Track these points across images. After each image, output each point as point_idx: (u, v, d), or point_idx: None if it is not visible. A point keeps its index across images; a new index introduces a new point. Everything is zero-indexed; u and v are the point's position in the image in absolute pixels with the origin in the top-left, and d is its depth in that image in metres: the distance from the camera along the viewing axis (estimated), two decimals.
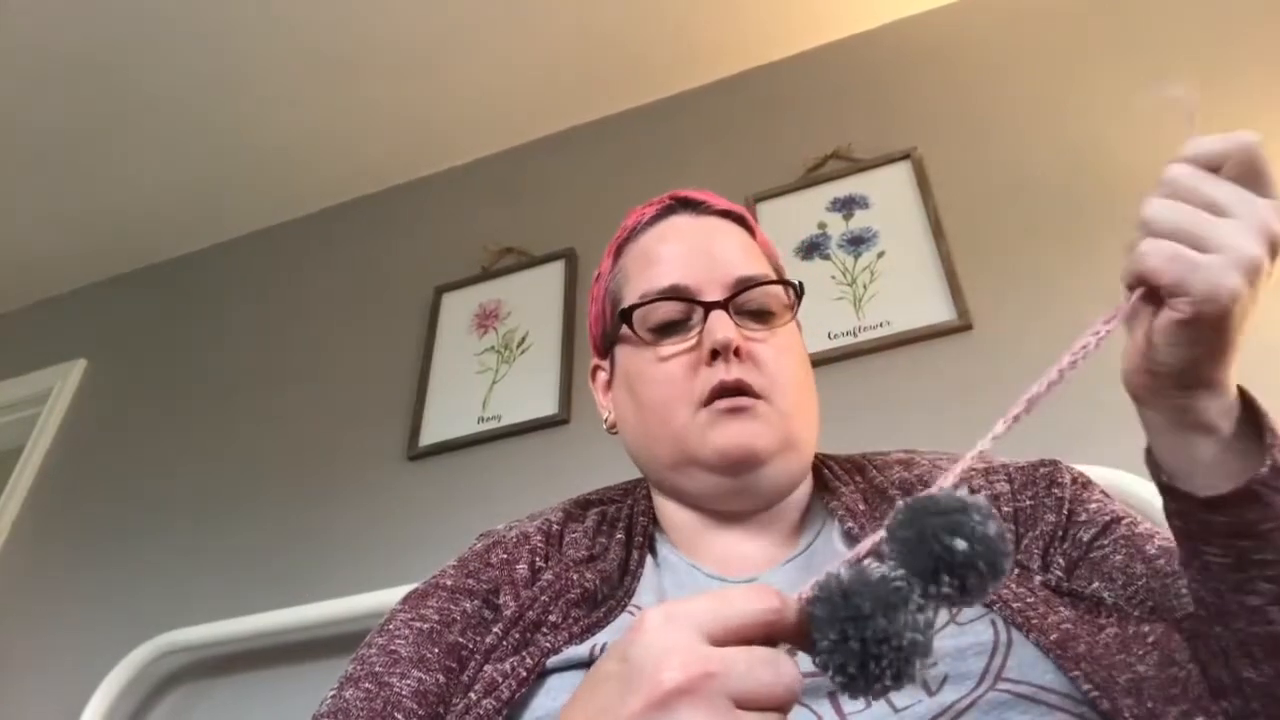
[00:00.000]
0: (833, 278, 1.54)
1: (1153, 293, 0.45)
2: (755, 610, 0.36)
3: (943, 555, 0.35)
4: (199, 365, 2.04)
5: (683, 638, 0.35)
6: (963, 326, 1.40)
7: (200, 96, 1.93)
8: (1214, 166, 0.46)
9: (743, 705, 0.34)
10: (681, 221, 0.76)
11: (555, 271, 1.81)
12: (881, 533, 0.38)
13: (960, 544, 0.35)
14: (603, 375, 0.80)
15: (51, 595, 1.78)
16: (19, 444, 2.07)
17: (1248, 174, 0.45)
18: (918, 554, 0.36)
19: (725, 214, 0.78)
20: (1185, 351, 0.46)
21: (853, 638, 0.35)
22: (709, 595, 0.37)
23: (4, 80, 1.86)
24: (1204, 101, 1.55)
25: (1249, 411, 0.48)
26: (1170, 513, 0.50)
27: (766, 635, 0.36)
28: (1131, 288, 0.46)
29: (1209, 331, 0.45)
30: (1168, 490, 0.49)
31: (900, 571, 0.36)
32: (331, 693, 0.62)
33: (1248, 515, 0.46)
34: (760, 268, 0.73)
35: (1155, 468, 0.51)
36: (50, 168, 2.05)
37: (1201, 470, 0.47)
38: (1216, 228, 0.44)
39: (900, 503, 0.38)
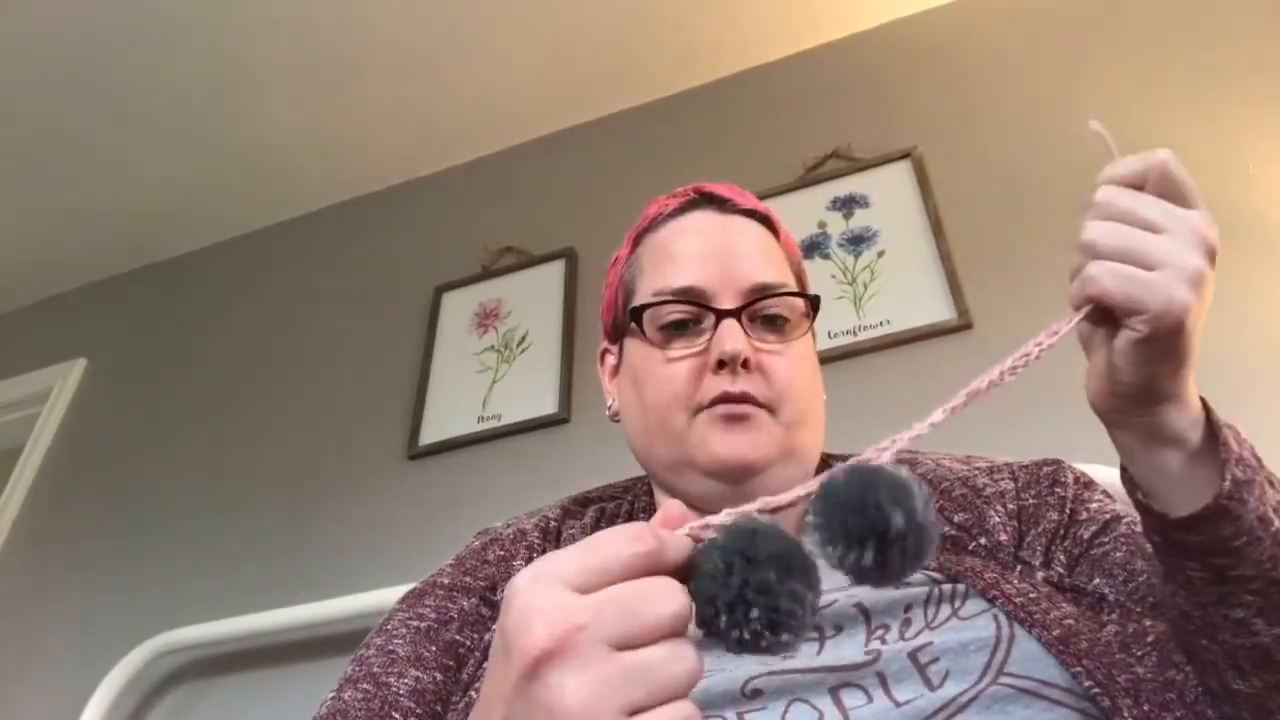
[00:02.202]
0: (833, 277, 1.54)
1: (1102, 313, 0.46)
2: (626, 553, 0.34)
3: (878, 525, 0.35)
4: (199, 365, 2.04)
5: (548, 595, 0.33)
6: (963, 326, 1.40)
7: (200, 96, 1.93)
8: (1137, 185, 0.48)
9: (626, 645, 0.32)
10: (703, 218, 0.74)
11: (555, 271, 1.81)
12: (815, 484, 0.37)
13: (899, 519, 0.35)
14: (611, 360, 0.79)
15: (51, 595, 1.78)
16: (19, 444, 2.07)
17: (1169, 189, 0.47)
18: (853, 517, 0.35)
19: (750, 213, 0.76)
20: (1146, 369, 0.46)
21: (737, 573, 0.34)
22: (578, 544, 0.35)
23: (4, 80, 1.86)
24: (1202, 100, 1.55)
25: (1212, 424, 0.48)
26: (1148, 529, 0.51)
27: (643, 574, 0.34)
28: (1079, 308, 0.47)
29: (1166, 346, 0.45)
30: (1144, 510, 0.50)
31: (815, 544, 0.36)
32: (331, 695, 0.62)
33: (1220, 532, 0.46)
34: (779, 273, 0.72)
35: (1131, 485, 0.51)
36: (51, 167, 2.05)
37: (1174, 484, 0.48)
38: (1158, 244, 0.45)
39: (841, 465, 0.38)
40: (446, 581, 0.69)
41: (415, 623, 0.65)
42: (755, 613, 0.33)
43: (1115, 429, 0.51)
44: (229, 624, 1.48)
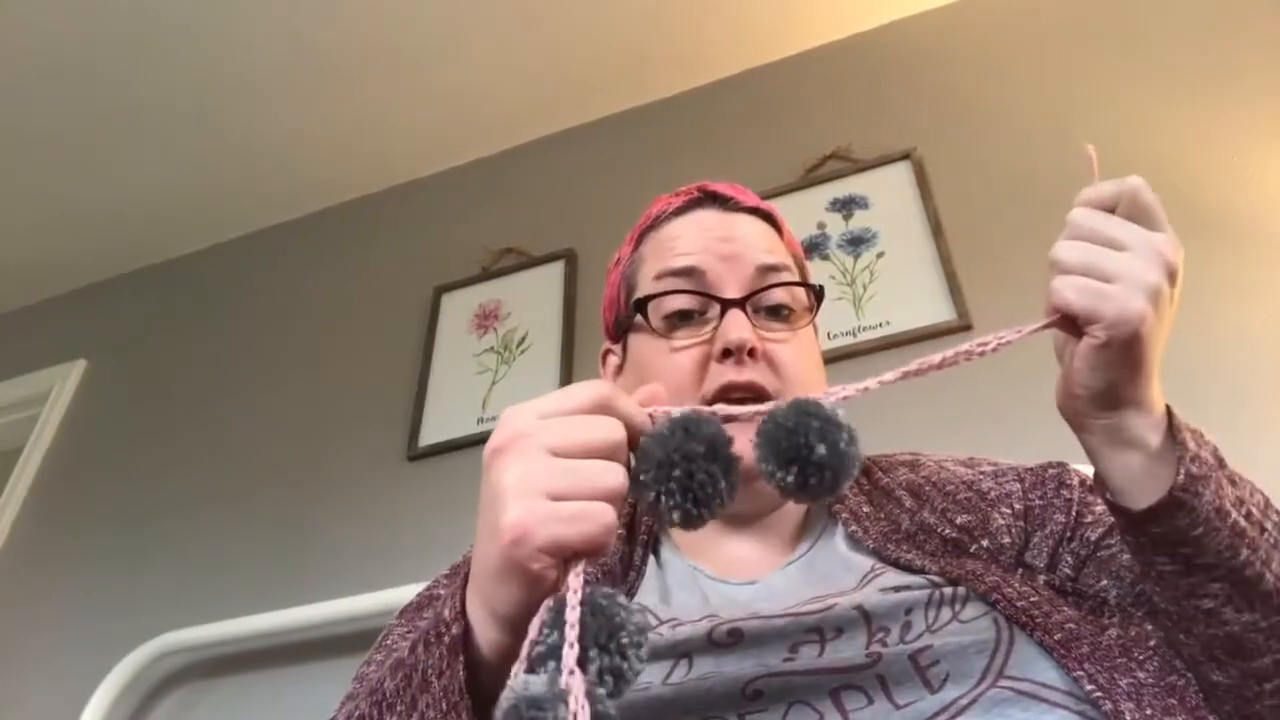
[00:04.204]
0: (832, 278, 1.54)
1: (1068, 323, 0.50)
2: (583, 393, 0.44)
3: (803, 451, 0.42)
4: (199, 365, 2.04)
5: (516, 416, 0.44)
6: (962, 326, 1.40)
7: (201, 97, 1.93)
8: (1109, 208, 0.51)
9: (563, 454, 0.41)
10: (707, 215, 0.74)
11: (555, 271, 1.81)
12: (767, 407, 0.44)
13: (821, 450, 0.42)
14: (613, 360, 0.79)
15: (51, 595, 1.78)
16: (19, 444, 2.07)
17: (1139, 212, 0.50)
18: (786, 441, 0.42)
19: (753, 211, 0.76)
20: (1105, 374, 0.50)
21: (677, 439, 0.42)
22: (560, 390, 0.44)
23: (4, 80, 1.86)
24: (1202, 101, 1.55)
25: (1174, 426, 0.51)
26: (1121, 530, 0.54)
27: (597, 413, 0.43)
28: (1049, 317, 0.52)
29: (1123, 353, 0.49)
30: (1112, 507, 0.53)
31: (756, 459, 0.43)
32: (332, 717, 0.62)
33: (1178, 523, 0.49)
34: (783, 261, 0.72)
35: (1101, 486, 0.54)
36: (50, 168, 2.05)
37: (1136, 483, 0.51)
38: (1117, 260, 0.49)
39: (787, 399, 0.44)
40: (443, 593, 0.69)
41: (414, 636, 0.65)
42: (677, 472, 0.41)
43: (1080, 431, 0.54)
44: (229, 625, 1.48)
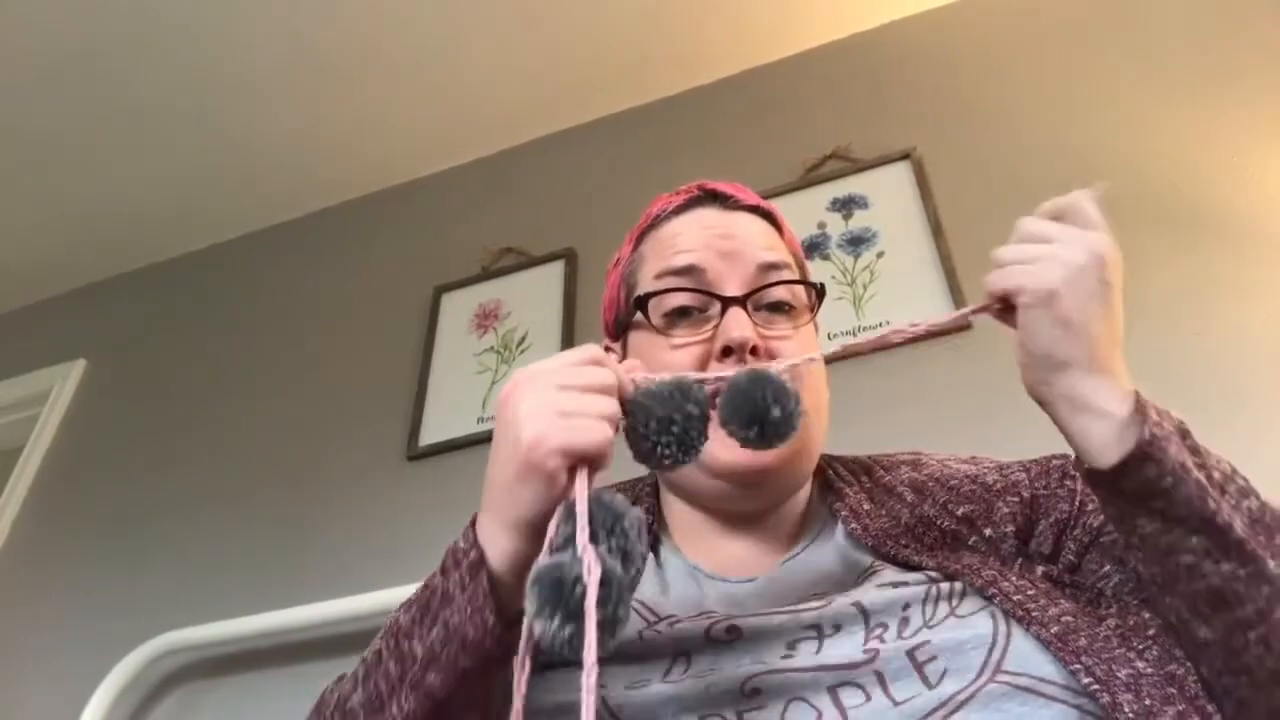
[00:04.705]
0: (832, 277, 1.54)
1: (1004, 310, 0.59)
2: (581, 352, 0.53)
3: (761, 413, 0.51)
4: (199, 365, 2.05)
5: (526, 371, 0.52)
6: (961, 327, 1.40)
7: (200, 97, 1.93)
8: (1056, 218, 0.59)
9: (566, 388, 0.50)
10: (706, 214, 0.74)
11: (555, 271, 1.81)
12: (730, 372, 0.54)
13: (776, 412, 0.51)
14: (612, 358, 0.79)
15: (51, 595, 1.78)
16: (19, 444, 2.07)
17: (1080, 220, 0.58)
18: (746, 405, 0.51)
19: (753, 209, 0.76)
20: (1041, 337, 0.56)
21: (676, 398, 0.50)
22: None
23: (4, 80, 1.86)
24: (1202, 101, 1.54)
25: (1140, 403, 0.54)
26: (1100, 500, 0.58)
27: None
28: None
29: (1047, 313, 0.55)
30: (1089, 477, 0.56)
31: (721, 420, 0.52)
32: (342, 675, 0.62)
33: (1147, 474, 0.52)
34: (784, 260, 0.72)
35: (1079, 465, 0.57)
36: (50, 168, 2.06)
37: (1104, 448, 0.54)
38: (1045, 248, 0.57)
39: (745, 367, 0.55)
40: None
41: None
42: (675, 428, 0.50)
43: (1045, 405, 0.57)
44: (229, 625, 1.48)
